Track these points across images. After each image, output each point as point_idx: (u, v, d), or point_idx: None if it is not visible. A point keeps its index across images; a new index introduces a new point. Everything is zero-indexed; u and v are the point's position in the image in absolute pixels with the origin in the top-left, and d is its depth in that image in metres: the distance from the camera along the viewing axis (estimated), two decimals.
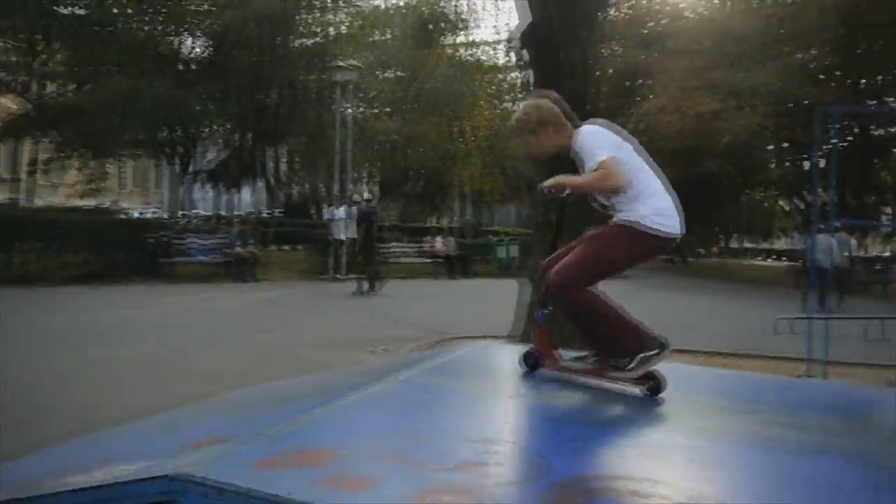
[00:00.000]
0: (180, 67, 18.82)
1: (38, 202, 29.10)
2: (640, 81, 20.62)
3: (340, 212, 14.41)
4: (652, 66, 18.71)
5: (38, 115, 15.73)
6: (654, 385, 2.22)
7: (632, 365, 2.28)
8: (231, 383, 5.22)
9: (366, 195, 14.80)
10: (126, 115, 16.10)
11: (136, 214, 22.85)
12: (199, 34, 19.32)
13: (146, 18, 18.90)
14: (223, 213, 25.33)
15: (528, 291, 5.25)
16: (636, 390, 2.25)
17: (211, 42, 17.99)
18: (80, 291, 11.26)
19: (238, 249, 13.77)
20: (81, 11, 17.97)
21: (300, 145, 18.16)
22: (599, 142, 2.44)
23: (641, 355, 2.28)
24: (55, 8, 17.25)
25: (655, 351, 2.30)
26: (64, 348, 6.67)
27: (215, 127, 21.10)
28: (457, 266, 18.12)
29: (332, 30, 18.37)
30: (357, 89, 15.99)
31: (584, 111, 5.41)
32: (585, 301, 2.42)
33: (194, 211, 32.52)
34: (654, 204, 2.44)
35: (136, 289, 12.08)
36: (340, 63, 14.72)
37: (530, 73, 5.81)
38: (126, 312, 9.30)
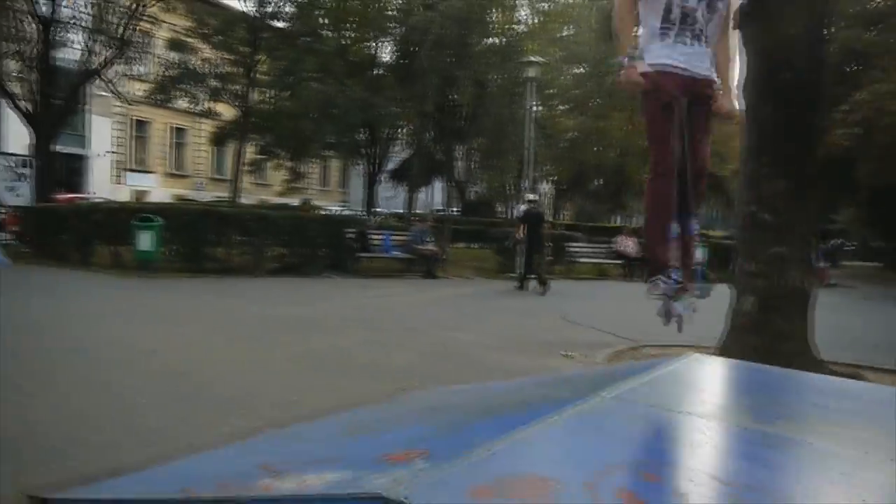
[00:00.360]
0: (373, 72, 19.83)
1: (247, 200, 32.34)
2: (859, 66, 18.35)
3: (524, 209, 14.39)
4: (877, 46, 16.54)
5: (247, 121, 17.30)
6: None
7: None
8: (420, 381, 5.24)
9: (530, 196, 14.54)
10: (323, 119, 17.27)
11: (332, 211, 24.45)
12: (390, 39, 20.25)
13: (343, 27, 20.17)
14: (406, 211, 26.20)
15: (750, 300, 4.63)
16: None
17: (402, 45, 18.70)
18: (279, 283, 12.10)
19: (425, 246, 14.10)
20: (283, 25, 19.59)
21: (484, 144, 18.30)
22: None
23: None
24: (268, 23, 18.98)
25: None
26: (262, 338, 7.04)
27: (403, 128, 21.96)
28: (637, 268, 17.28)
29: (518, 27, 18.34)
30: (541, 86, 15.78)
31: (815, 100, 4.60)
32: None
33: (380, 209, 34.44)
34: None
35: (332, 282, 12.76)
36: (531, 58, 14.61)
37: None
38: (324, 304, 9.76)
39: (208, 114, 20.00)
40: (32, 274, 11.02)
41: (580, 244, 17.95)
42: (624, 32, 2.88)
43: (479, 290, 13.06)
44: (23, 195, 13.98)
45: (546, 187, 32.30)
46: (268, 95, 17.81)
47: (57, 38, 15.85)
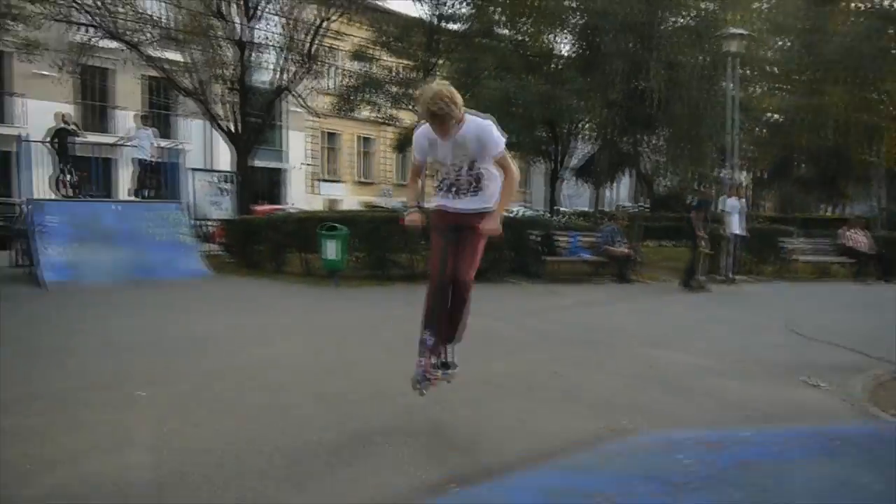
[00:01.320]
0: (552, 66, 18.95)
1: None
2: None
3: (732, 203, 12.79)
4: None
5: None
6: None
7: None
8: (629, 416, 4.36)
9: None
10: (503, 117, 16.64)
11: (513, 212, 23.90)
12: (569, 29, 19.25)
13: (520, 23, 19.51)
14: (592, 209, 24.96)
15: None
16: None
17: (583, 34, 17.65)
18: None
19: (617, 247, 13.00)
20: (458, 26, 19.33)
21: (676, 132, 16.72)
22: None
23: None
24: (445, 26, 18.87)
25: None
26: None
27: (587, 121, 20.84)
28: (871, 266, 14.82)
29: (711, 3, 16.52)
30: (743, 63, 13.98)
31: None
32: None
33: (562, 208, 33.41)
34: None
35: (517, 287, 12.12)
36: (733, 30, 12.96)
37: None
38: (509, 314, 9.11)
39: (390, 121, 20.28)
40: (228, 284, 11.51)
41: (794, 239, 15.76)
42: (408, 194, 4.55)
43: (680, 295, 11.71)
44: (226, 209, 14.92)
45: (742, 176, 29.39)
46: None
47: (252, 59, 16.77)
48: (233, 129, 16.27)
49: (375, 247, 12.26)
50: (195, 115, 19.48)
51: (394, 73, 17.47)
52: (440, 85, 3.88)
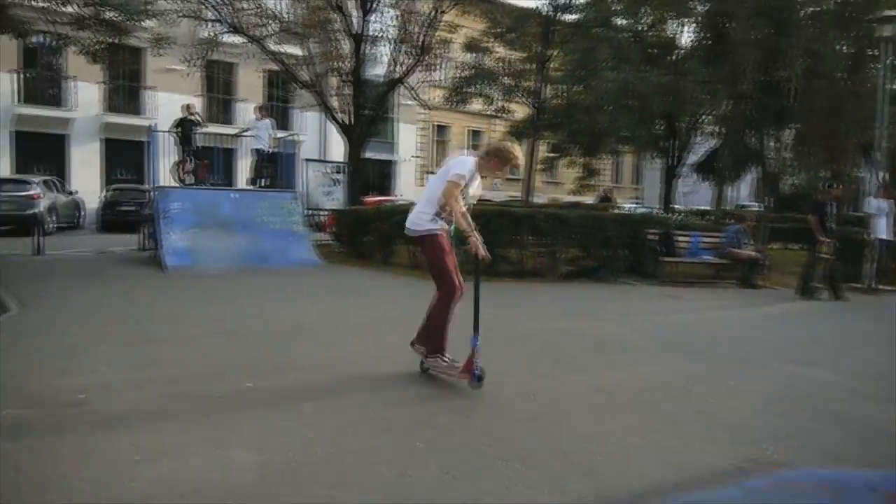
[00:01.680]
0: (674, 56, 18.01)
1: (538, 199, 32.26)
2: None
3: (879, 204, 11.54)
4: None
5: (540, 118, 16.75)
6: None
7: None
8: (774, 446, 3.82)
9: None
10: (619, 110, 16.04)
11: (625, 209, 22.99)
12: (693, 18, 18.22)
13: (639, 12, 18.68)
14: (714, 207, 23.60)
15: None
16: None
17: (709, 22, 16.60)
18: (575, 289, 11.17)
19: (743, 249, 12.08)
20: (575, 17, 18.69)
21: (811, 127, 15.38)
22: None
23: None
24: (561, 16, 18.34)
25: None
26: (558, 360, 6.11)
27: (708, 114, 19.70)
28: None
29: None
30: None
31: None
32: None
33: (677, 206, 31.92)
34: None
35: (632, 289, 11.50)
36: (888, 13, 11.70)
37: None
38: (626, 318, 8.58)
39: (502, 113, 19.95)
40: (338, 273, 11.56)
41: None
42: (464, 222, 5.21)
43: (816, 304, 10.68)
44: (337, 199, 15.13)
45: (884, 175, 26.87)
46: (561, 90, 17.01)
47: (367, 52, 16.89)
48: (346, 121, 16.45)
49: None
50: (311, 107, 19.94)
51: (507, 65, 17.09)
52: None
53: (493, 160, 5.04)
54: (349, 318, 7.50)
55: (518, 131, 21.01)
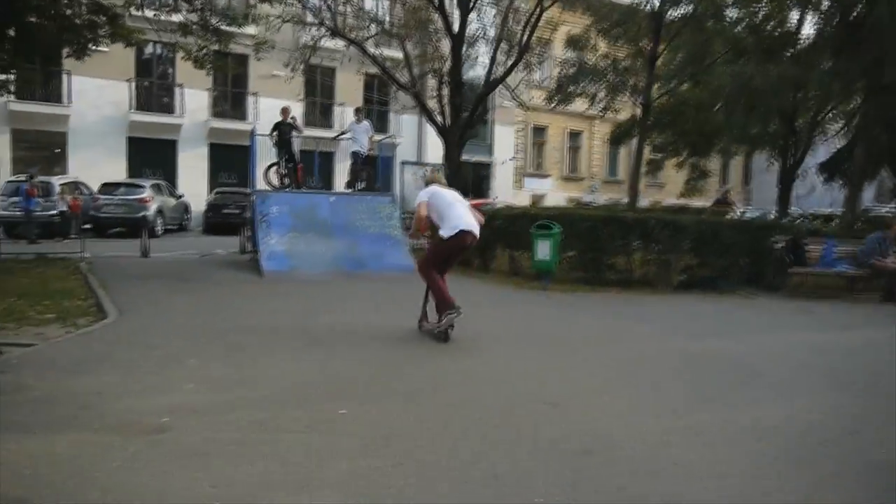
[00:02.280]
0: (795, 48, 16.48)
1: (640, 203, 30.84)
2: None
3: None
4: None
5: (647, 117, 15.73)
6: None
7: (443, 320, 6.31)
8: None
9: None
10: (735, 107, 14.81)
11: (742, 214, 21.42)
12: (814, 6, 16.67)
13: (755, 3, 17.27)
14: (846, 211, 21.55)
15: None
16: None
17: (839, 8, 15.07)
18: (690, 301, 10.23)
19: (891, 259, 10.73)
20: (684, 10, 17.47)
21: None
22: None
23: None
24: (669, 10, 17.20)
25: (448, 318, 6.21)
26: (684, 392, 5.33)
27: (834, 111, 18.01)
28: None
29: None
30: None
31: None
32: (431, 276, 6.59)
33: (792, 208, 29.69)
34: (447, 222, 6.47)
35: (756, 302, 10.44)
36: None
37: None
38: (757, 337, 7.64)
39: (606, 111, 18.96)
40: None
41: None
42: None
43: None
44: None
45: None
46: (669, 87, 15.86)
47: (466, 52, 16.42)
48: (444, 122, 16.05)
49: (590, 248, 11.21)
50: (409, 109, 19.71)
51: (612, 62, 16.14)
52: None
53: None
54: (456, 331, 6.96)
55: (621, 132, 19.99)
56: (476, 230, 6.67)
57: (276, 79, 24.10)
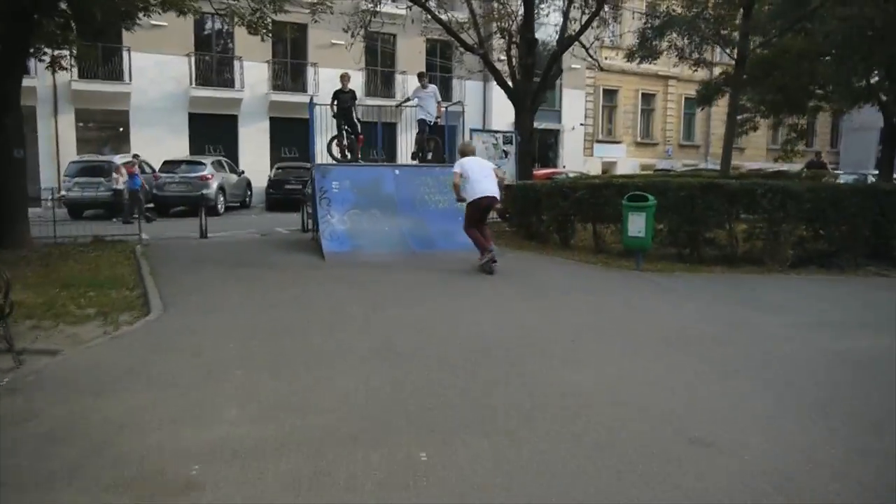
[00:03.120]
0: None
1: (712, 167, 28.69)
2: None
3: None
4: None
5: (741, 71, 14.02)
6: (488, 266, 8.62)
7: (484, 258, 8.71)
8: None
9: None
10: (850, 54, 12.98)
11: (840, 178, 19.37)
12: None
13: None
14: None
15: None
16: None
17: None
18: (808, 282, 8.84)
19: None
20: None
21: None
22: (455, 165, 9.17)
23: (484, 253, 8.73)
24: None
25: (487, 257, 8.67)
26: (833, 404, 4.11)
27: None
28: None
29: None
30: None
31: None
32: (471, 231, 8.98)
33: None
34: (470, 189, 8.79)
35: (889, 282, 8.96)
36: None
37: None
38: None
39: (699, 65, 17.18)
40: (511, 261, 9.95)
41: None
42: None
43: None
44: (508, 172, 13.51)
45: None
46: (769, 37, 13.97)
47: (538, 6, 15.06)
48: (515, 86, 14.79)
49: (686, 221, 9.87)
50: (474, 74, 18.48)
51: (701, 10, 14.39)
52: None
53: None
54: (539, 332, 5.89)
55: (710, 90, 18.14)
56: (494, 194, 8.86)
57: (336, 48, 23.27)
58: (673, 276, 9.02)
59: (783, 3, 14.22)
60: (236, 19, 11.95)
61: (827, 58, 14.87)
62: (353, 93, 12.44)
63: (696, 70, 19.21)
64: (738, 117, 21.58)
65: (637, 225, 9.13)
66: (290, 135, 24.82)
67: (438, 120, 12.67)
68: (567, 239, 11.92)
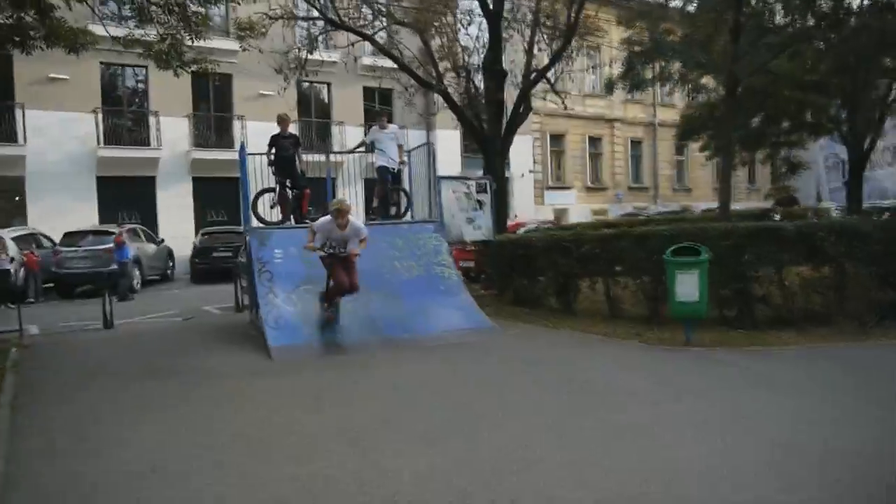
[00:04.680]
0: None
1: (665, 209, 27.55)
2: None
3: None
4: None
5: (733, 100, 12.37)
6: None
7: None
8: None
9: None
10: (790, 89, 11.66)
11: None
12: None
13: None
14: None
15: None
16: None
17: None
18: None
19: None
20: None
21: None
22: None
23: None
24: None
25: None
26: None
27: None
28: None
29: None
30: None
31: None
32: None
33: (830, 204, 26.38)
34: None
35: None
36: None
37: None
38: None
39: (697, 93, 15.46)
40: (528, 342, 7.61)
41: None
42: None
43: None
44: (483, 227, 11.27)
45: None
46: (764, 61, 12.41)
47: (503, 37, 13.12)
48: (482, 127, 12.70)
49: (733, 277, 7.80)
50: (418, 122, 16.43)
51: (689, 33, 12.74)
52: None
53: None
54: (669, 477, 3.53)
55: (693, 124, 16.56)
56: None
57: (265, 99, 20.94)
58: (742, 352, 6.82)
59: (773, 25, 12.73)
60: (141, 50, 9.42)
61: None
62: (295, 138, 10.04)
63: (699, 94, 17.31)
64: (705, 155, 20.24)
65: (688, 287, 6.93)
66: (216, 196, 22.08)
67: (402, 166, 10.38)
68: (569, 304, 9.71)
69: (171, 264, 19.25)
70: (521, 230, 16.58)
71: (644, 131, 35.28)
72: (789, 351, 6.80)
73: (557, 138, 31.86)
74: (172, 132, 21.24)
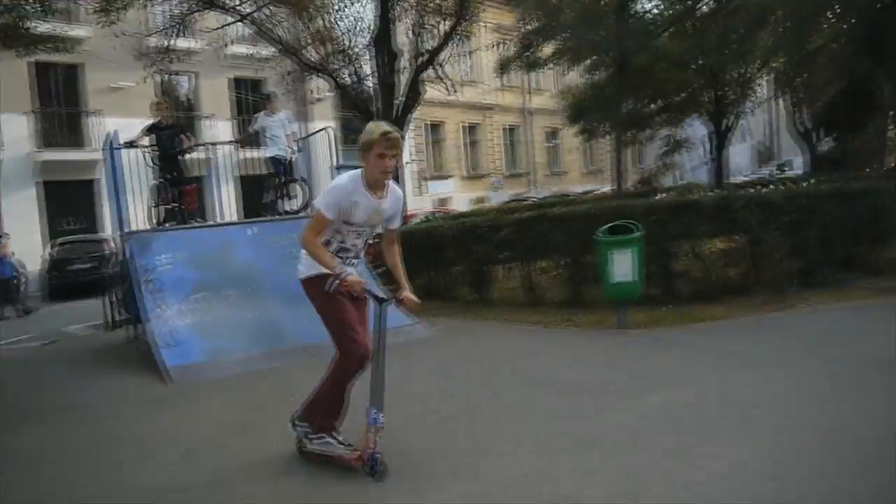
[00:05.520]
0: None
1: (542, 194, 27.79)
2: None
3: None
4: None
5: (624, 78, 12.41)
6: None
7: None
8: None
9: None
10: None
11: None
12: None
13: None
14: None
15: None
16: None
17: None
18: (840, 312, 6.87)
19: None
20: None
21: None
22: None
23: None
24: None
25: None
26: None
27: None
28: None
29: None
30: None
31: None
32: None
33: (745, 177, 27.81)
34: None
35: None
36: None
37: None
38: None
39: (596, 70, 15.23)
40: (455, 331, 7.03)
41: None
42: (327, 258, 3.49)
43: None
44: None
45: None
46: (651, 39, 12.50)
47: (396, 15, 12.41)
48: (376, 112, 11.96)
49: (658, 252, 7.62)
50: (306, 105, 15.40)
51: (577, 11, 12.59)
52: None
53: (367, 148, 3.44)
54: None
55: (582, 105, 16.52)
56: None
57: (122, 91, 18.99)
58: (685, 330, 6.59)
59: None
60: None
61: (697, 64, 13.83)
62: (180, 127, 8.83)
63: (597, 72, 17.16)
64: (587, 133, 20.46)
65: (623, 266, 6.61)
66: (70, 201, 19.88)
67: (294, 157, 9.43)
68: (486, 294, 9.24)
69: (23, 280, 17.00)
70: (413, 221, 16.01)
71: (518, 117, 35.74)
72: (729, 324, 6.66)
73: (436, 127, 31.54)
74: (13, 131, 18.77)
